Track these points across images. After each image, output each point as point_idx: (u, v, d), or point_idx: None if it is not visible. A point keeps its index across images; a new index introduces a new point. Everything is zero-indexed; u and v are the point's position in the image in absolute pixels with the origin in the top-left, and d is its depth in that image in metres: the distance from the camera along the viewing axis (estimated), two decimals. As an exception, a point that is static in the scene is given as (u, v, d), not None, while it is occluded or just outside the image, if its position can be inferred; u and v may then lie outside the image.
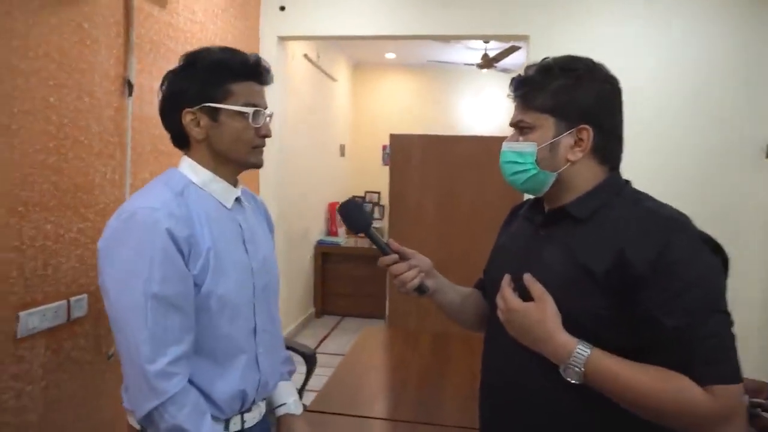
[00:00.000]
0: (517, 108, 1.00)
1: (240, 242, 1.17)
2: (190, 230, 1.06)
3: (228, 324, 1.11)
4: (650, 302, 0.84)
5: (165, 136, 1.21)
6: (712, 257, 0.88)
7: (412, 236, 3.02)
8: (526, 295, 0.95)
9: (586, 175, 0.97)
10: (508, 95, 1.01)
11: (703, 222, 0.92)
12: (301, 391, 2.29)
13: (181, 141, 1.17)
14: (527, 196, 1.09)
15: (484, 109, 6.46)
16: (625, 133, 1.00)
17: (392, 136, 3.32)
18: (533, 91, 0.96)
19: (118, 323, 1.04)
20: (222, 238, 1.12)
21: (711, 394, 0.80)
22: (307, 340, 4.46)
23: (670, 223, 0.89)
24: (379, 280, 4.74)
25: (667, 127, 3.18)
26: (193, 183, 1.14)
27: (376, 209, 6.45)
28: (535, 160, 0.96)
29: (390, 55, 6.13)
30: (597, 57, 1.00)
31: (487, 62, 5.15)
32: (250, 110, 1.13)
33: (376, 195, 6.47)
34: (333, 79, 5.65)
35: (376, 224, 6.46)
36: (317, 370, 2.35)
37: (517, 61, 5.17)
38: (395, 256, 1.13)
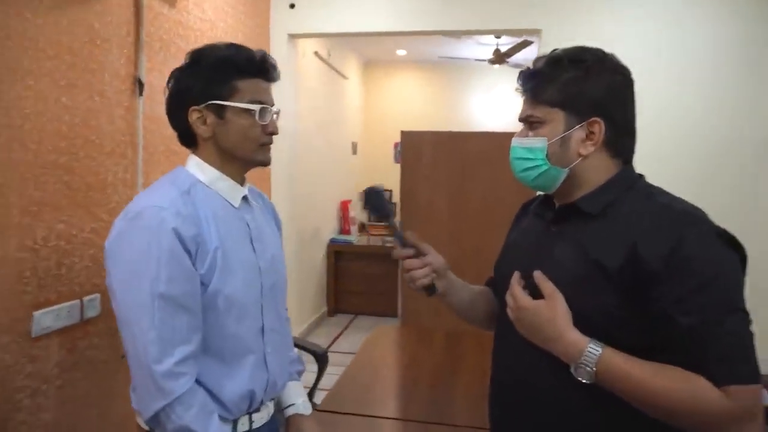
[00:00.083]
0: (526, 102, 0.97)
1: (247, 241, 1.16)
2: (197, 229, 1.06)
3: (235, 323, 1.11)
4: (664, 299, 0.82)
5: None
6: (729, 252, 0.85)
7: (423, 233, 2.96)
8: (536, 293, 0.93)
9: (598, 170, 0.95)
10: (517, 89, 0.99)
11: (717, 218, 0.88)
12: (313, 390, 2.29)
13: (188, 139, 1.16)
14: (539, 193, 1.07)
15: (497, 105, 6.40)
16: (638, 128, 0.97)
17: (403, 133, 3.30)
18: (542, 85, 0.94)
19: (125, 323, 1.03)
20: (229, 237, 1.11)
21: (727, 395, 0.78)
22: (320, 339, 4.46)
23: (683, 218, 0.86)
24: (392, 278, 4.72)
25: (680, 121, 3.15)
26: (200, 182, 1.13)
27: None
28: (546, 156, 0.94)
29: (401, 52, 6.10)
30: (610, 50, 0.97)
31: (499, 58, 5.10)
32: (256, 107, 1.12)
33: (388, 192, 6.45)
34: (344, 76, 5.64)
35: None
36: (330, 369, 2.34)
37: (530, 56, 5.10)
38: (410, 251, 1.10)
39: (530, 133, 0.96)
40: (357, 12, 3.43)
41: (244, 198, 1.20)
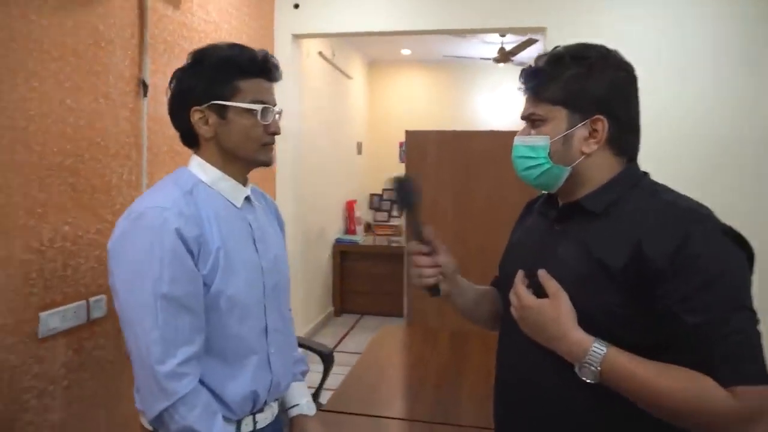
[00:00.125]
0: (528, 100, 0.97)
1: (250, 241, 1.16)
2: (200, 229, 1.06)
3: (238, 324, 1.11)
4: (669, 298, 0.81)
5: (180, 136, 1.20)
6: (736, 250, 0.84)
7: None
8: (540, 292, 0.92)
9: (602, 168, 0.94)
10: (519, 87, 0.98)
11: (722, 216, 0.87)
12: (319, 391, 2.29)
13: (191, 140, 1.17)
14: (543, 192, 1.06)
15: (502, 104, 6.38)
16: (644, 128, 0.96)
17: (407, 133, 3.29)
18: (544, 82, 0.93)
19: (128, 324, 1.04)
20: (231, 237, 1.11)
21: (734, 395, 0.76)
22: (327, 339, 4.47)
23: (689, 215, 0.85)
24: (398, 278, 4.72)
25: (681, 121, 3.13)
26: (203, 182, 1.14)
27: (394, 207, 6.43)
28: (548, 154, 0.93)
29: (405, 52, 6.10)
30: (616, 48, 0.95)
31: (504, 56, 5.09)
32: (258, 107, 1.12)
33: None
34: (348, 76, 5.64)
35: (394, 222, 6.43)
36: (337, 369, 2.34)
37: (535, 55, 5.08)
38: (424, 247, 1.07)
39: (532, 132, 0.95)
40: (361, 12, 3.42)
41: (247, 198, 1.20)
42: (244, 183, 1.20)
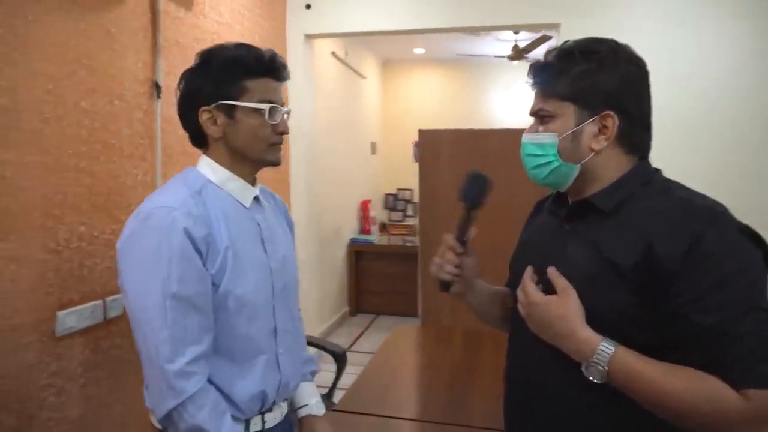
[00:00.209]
0: (536, 96, 0.95)
1: (258, 242, 1.17)
2: (208, 229, 1.06)
3: (246, 324, 1.11)
4: (681, 298, 0.79)
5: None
6: (752, 249, 0.81)
7: (442, 232, 2.95)
8: (550, 290, 0.90)
9: (612, 165, 0.92)
10: (527, 83, 0.96)
11: (736, 214, 0.85)
12: (332, 390, 2.30)
13: (199, 140, 1.17)
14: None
15: (516, 101, 6.32)
16: (657, 126, 0.94)
17: (421, 132, 3.28)
18: (553, 78, 0.91)
19: (137, 323, 1.04)
20: (240, 237, 1.11)
21: (745, 398, 0.74)
22: (342, 339, 4.47)
23: (703, 213, 0.82)
24: (413, 278, 4.70)
25: (694, 120, 3.08)
26: (211, 182, 1.14)
27: (409, 206, 6.42)
28: (557, 151, 0.91)
29: (419, 50, 6.08)
30: (630, 45, 0.93)
31: (518, 53, 5.04)
32: (266, 107, 1.12)
33: (409, 192, 6.44)
34: (362, 76, 5.64)
35: (408, 222, 6.41)
36: (351, 369, 2.34)
37: (550, 52, 5.03)
38: (458, 247, 1.08)
39: (540, 128, 0.94)
40: (373, 11, 3.42)
41: (256, 198, 1.20)
42: (253, 183, 1.20)
